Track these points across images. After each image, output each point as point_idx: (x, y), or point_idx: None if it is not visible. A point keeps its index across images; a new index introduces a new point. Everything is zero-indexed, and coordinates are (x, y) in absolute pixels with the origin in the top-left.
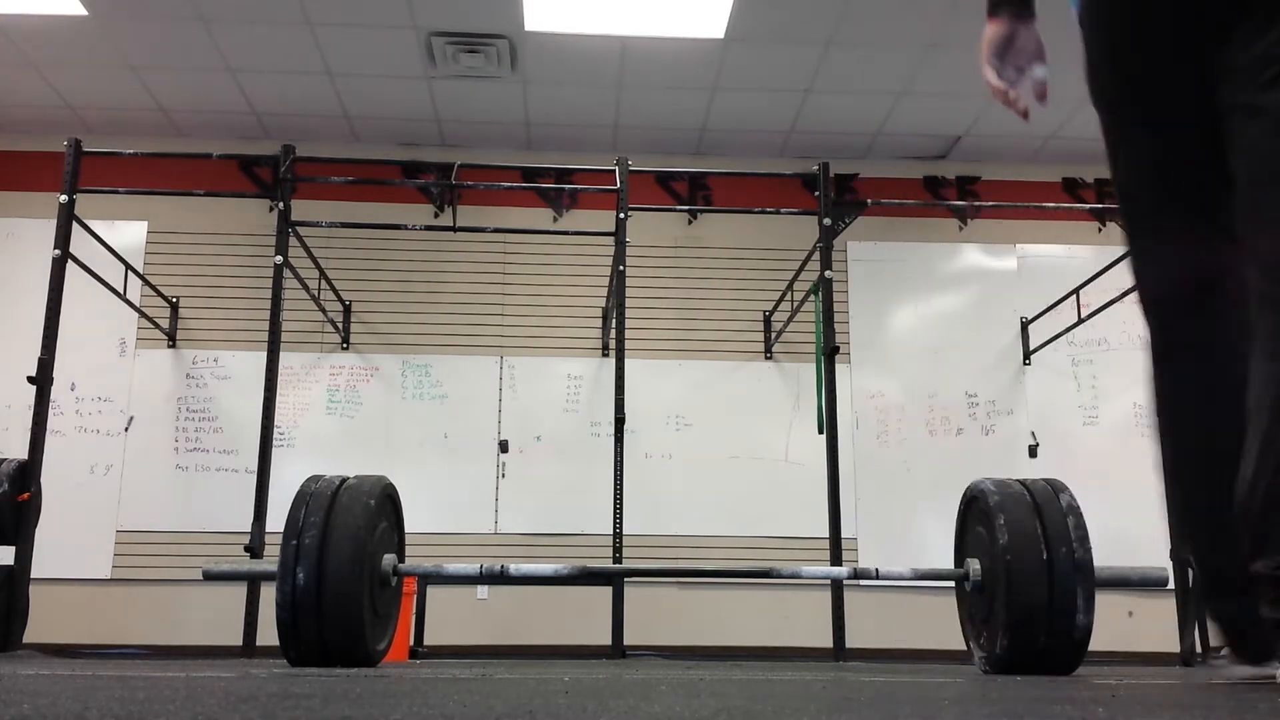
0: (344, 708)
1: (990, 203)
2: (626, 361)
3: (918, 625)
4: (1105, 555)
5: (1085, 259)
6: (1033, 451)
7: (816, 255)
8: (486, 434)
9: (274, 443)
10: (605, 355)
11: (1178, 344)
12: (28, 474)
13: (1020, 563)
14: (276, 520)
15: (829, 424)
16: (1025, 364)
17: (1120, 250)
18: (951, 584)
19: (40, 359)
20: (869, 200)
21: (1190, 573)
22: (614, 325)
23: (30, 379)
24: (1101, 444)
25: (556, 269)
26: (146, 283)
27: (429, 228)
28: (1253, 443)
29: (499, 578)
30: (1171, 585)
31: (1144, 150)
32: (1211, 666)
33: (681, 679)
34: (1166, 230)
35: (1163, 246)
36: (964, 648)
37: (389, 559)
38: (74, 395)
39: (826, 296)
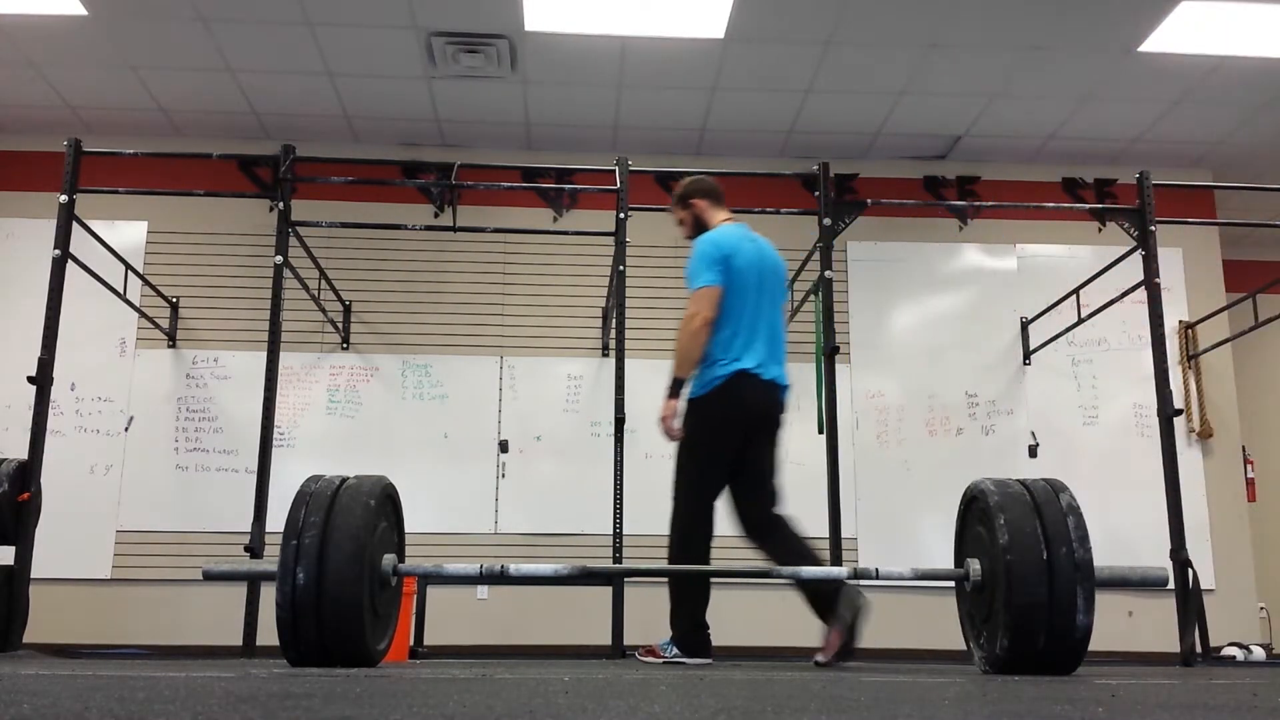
0: (344, 708)
1: (990, 203)
2: (626, 361)
3: (918, 625)
4: (1105, 555)
5: (1085, 259)
6: (1033, 451)
7: (816, 255)
8: (486, 434)
9: (274, 443)
10: (605, 355)
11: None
12: (28, 474)
13: (1020, 563)
14: (276, 520)
15: (829, 424)
16: (1025, 364)
17: (1120, 250)
18: (951, 584)
19: (40, 359)
20: (869, 200)
21: (1190, 573)
22: (614, 325)
23: (30, 379)
24: (1101, 444)
25: (556, 269)
26: (146, 283)
27: (429, 228)
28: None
29: (499, 578)
30: (1171, 585)
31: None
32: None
33: (681, 679)
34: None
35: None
36: (964, 648)
37: (389, 559)
38: (74, 395)
39: (826, 296)
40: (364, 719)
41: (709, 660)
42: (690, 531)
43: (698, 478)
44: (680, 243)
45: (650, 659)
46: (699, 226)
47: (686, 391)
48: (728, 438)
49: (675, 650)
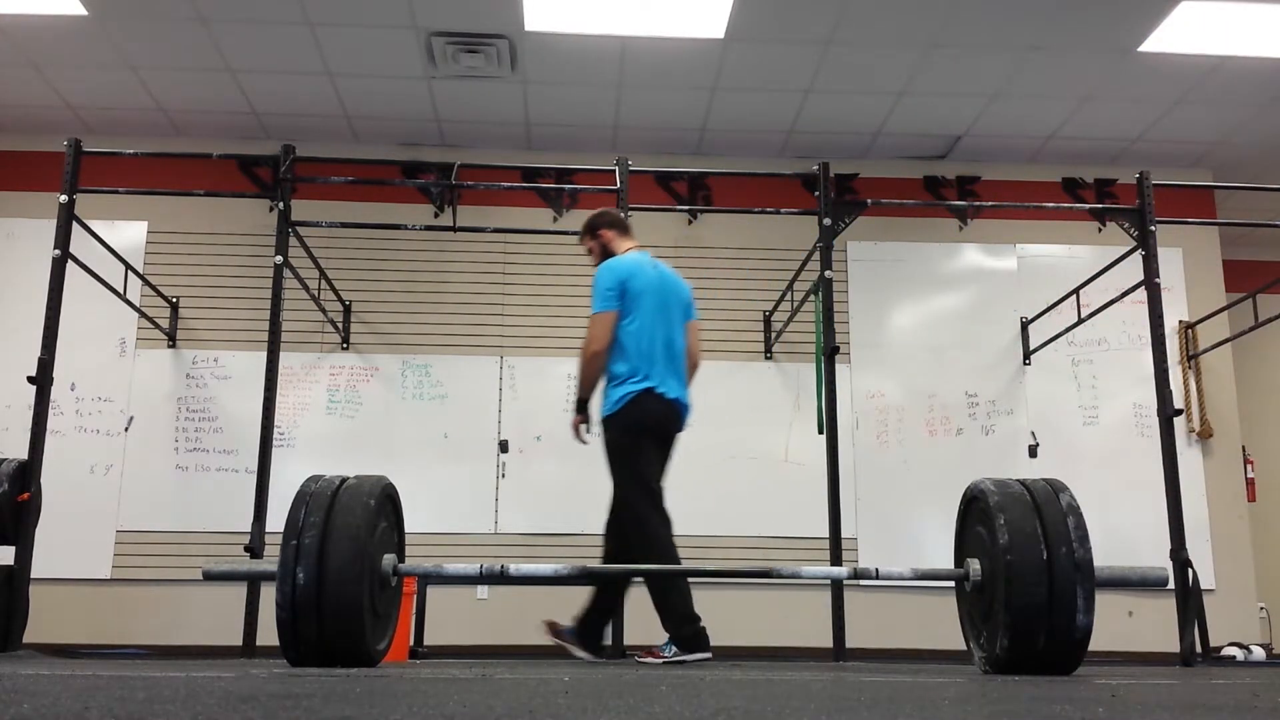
0: (344, 708)
1: (990, 203)
2: None
3: (917, 625)
4: (1105, 555)
5: (1085, 259)
6: (1033, 451)
7: (816, 255)
8: (486, 434)
9: (274, 443)
10: None
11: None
12: (28, 474)
13: (1020, 563)
14: (276, 520)
15: (829, 424)
16: (1025, 364)
17: (1120, 250)
18: (951, 584)
19: (40, 359)
20: (869, 200)
21: (1190, 573)
22: None
23: (30, 379)
24: (1101, 444)
25: (556, 269)
26: (146, 283)
27: (429, 228)
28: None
29: (499, 578)
30: (1171, 585)
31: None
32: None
33: (681, 679)
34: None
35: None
36: (964, 648)
37: (389, 559)
38: (74, 395)
39: (826, 296)
40: (364, 719)
41: (708, 655)
42: (651, 535)
43: (636, 484)
44: (681, 243)
45: (650, 660)
46: (606, 255)
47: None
48: (648, 441)
49: (674, 649)
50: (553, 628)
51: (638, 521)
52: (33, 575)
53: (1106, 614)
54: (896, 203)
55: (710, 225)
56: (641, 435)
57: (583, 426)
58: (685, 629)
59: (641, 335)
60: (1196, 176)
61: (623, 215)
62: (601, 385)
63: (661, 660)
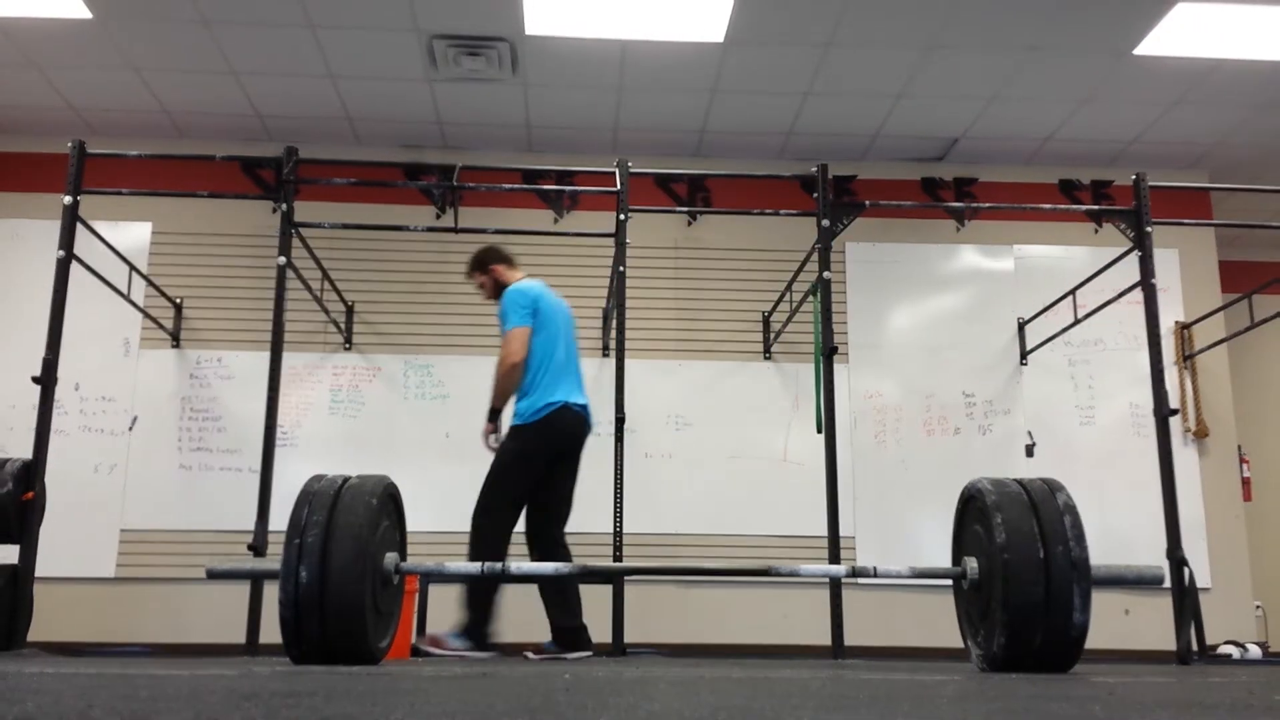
0: (346, 705)
1: (987, 204)
2: (626, 361)
3: (915, 624)
4: (1102, 554)
5: (1082, 260)
6: (1029, 451)
7: (815, 256)
8: None
9: (277, 442)
10: (605, 355)
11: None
12: (32, 473)
13: (1017, 561)
14: (279, 519)
15: (827, 424)
16: (1022, 364)
17: (1116, 251)
18: (949, 582)
19: (45, 359)
20: (867, 201)
21: (1186, 572)
22: (614, 326)
23: (35, 379)
24: (1098, 444)
25: (557, 270)
26: (150, 283)
27: (431, 229)
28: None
29: (500, 576)
30: (1167, 584)
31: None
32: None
33: (681, 677)
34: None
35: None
36: (961, 646)
37: (391, 557)
38: (78, 395)
39: (825, 297)
40: (366, 717)
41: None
42: (499, 537)
43: (512, 492)
44: (680, 244)
45: (435, 650)
46: (499, 287)
47: (508, 414)
48: (542, 461)
49: (468, 642)
50: (536, 650)
51: (491, 527)
52: (37, 574)
53: (1103, 612)
54: (894, 204)
55: (710, 226)
56: (547, 450)
57: (493, 436)
58: (482, 626)
59: (554, 352)
60: (1193, 178)
61: (507, 250)
62: (515, 396)
63: (450, 651)
